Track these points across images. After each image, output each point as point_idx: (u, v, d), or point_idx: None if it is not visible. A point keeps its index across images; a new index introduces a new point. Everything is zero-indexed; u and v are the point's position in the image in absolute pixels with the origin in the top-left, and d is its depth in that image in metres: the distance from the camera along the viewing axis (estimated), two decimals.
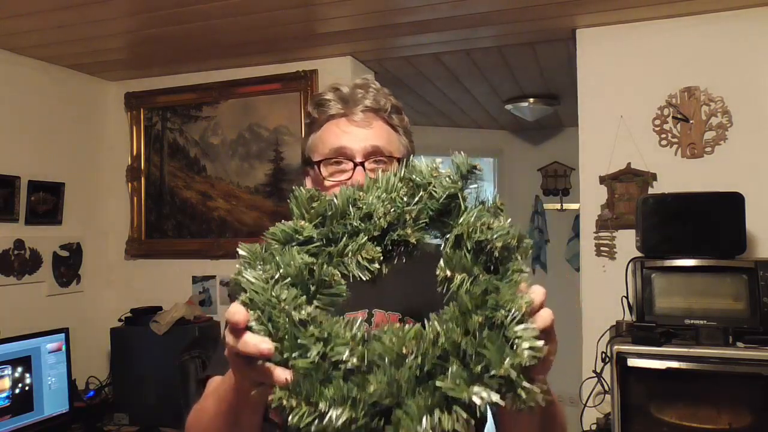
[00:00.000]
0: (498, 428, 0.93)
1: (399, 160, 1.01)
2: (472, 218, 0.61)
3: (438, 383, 0.52)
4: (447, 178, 0.65)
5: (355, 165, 0.98)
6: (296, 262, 0.59)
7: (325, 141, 1.01)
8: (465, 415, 0.51)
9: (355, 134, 0.99)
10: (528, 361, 0.51)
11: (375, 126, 1.00)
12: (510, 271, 0.58)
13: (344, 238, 0.63)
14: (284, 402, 0.53)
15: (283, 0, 2.16)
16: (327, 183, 1.00)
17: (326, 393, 0.52)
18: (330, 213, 0.66)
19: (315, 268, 0.60)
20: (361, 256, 0.62)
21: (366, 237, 0.63)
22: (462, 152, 0.67)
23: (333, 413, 0.52)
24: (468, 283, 0.58)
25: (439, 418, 0.51)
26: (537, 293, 0.57)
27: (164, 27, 2.41)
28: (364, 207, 0.64)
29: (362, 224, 0.64)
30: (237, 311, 0.57)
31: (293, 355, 0.54)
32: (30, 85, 2.74)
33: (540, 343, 0.52)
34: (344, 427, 0.52)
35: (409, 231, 0.63)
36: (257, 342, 0.56)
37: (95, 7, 2.17)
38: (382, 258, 0.63)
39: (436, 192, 0.64)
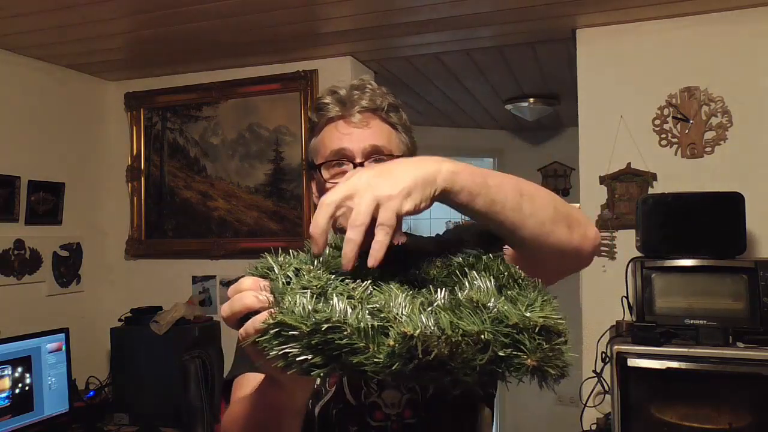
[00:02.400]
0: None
1: (399, 158, 1.02)
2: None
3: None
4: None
5: (355, 166, 0.99)
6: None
7: (325, 144, 1.02)
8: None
9: (354, 135, 1.00)
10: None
11: (373, 126, 1.01)
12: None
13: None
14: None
15: (283, 0, 2.16)
16: (329, 185, 1.00)
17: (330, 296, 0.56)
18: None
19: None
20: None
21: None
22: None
23: (336, 301, 0.54)
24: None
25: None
26: None
27: (164, 27, 2.41)
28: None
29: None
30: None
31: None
32: (30, 85, 2.74)
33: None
34: (342, 313, 0.53)
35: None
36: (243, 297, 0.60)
37: (95, 7, 2.17)
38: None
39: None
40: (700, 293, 2.03)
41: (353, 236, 0.59)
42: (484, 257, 0.66)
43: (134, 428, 2.65)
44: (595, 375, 2.27)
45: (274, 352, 0.54)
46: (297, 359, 0.53)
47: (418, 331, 0.50)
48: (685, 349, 1.90)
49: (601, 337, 2.28)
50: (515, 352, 0.53)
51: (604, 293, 2.37)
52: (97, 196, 3.11)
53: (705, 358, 1.87)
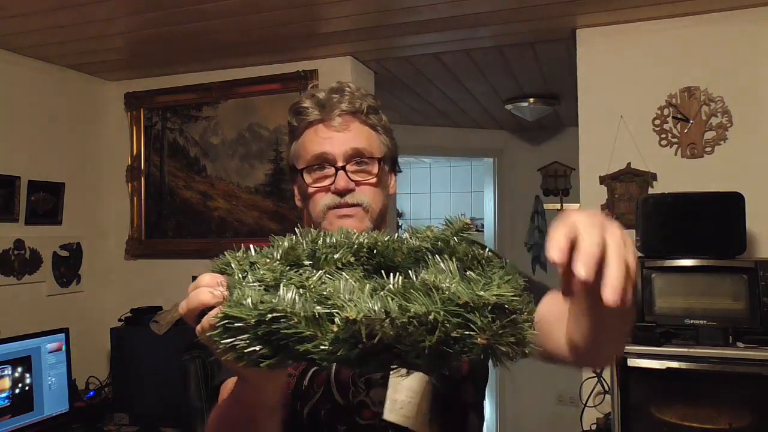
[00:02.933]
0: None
1: (380, 160, 1.03)
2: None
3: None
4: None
5: (337, 170, 0.99)
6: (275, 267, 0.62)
7: (306, 148, 1.03)
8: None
9: (335, 139, 1.00)
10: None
11: (353, 128, 1.02)
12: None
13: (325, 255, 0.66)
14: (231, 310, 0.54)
15: (283, 0, 2.17)
16: (311, 189, 1.02)
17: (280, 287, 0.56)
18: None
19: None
20: (340, 262, 0.64)
21: (346, 249, 0.66)
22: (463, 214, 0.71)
23: (282, 291, 0.54)
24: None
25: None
26: None
27: (164, 27, 2.41)
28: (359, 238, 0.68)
29: (344, 240, 0.67)
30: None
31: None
32: (30, 85, 2.74)
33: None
34: (290, 303, 0.53)
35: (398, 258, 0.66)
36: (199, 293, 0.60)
37: (95, 7, 2.17)
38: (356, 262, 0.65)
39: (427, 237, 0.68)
40: (700, 293, 2.03)
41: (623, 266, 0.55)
42: (451, 241, 0.66)
43: (134, 428, 2.65)
44: (595, 375, 2.27)
45: (222, 346, 0.54)
46: (245, 351, 0.53)
47: (361, 315, 0.50)
48: (685, 349, 1.90)
49: None
50: (467, 332, 0.52)
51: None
52: (97, 196, 3.11)
53: (705, 358, 1.87)
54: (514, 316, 0.55)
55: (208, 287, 0.61)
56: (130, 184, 3.14)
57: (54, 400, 2.48)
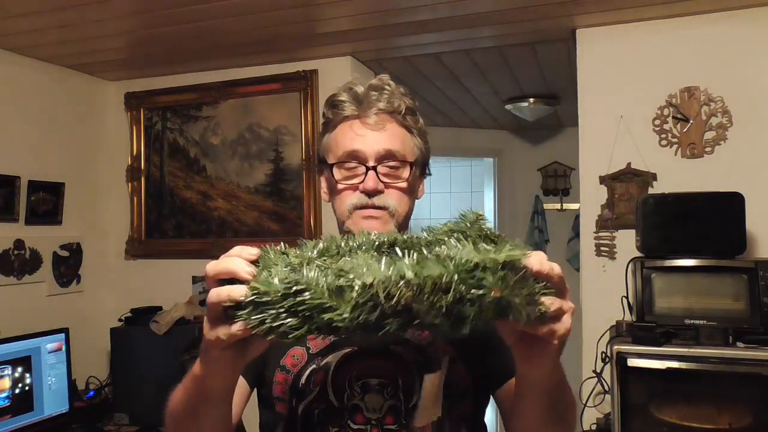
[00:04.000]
0: (506, 414, 0.94)
1: (412, 164, 1.02)
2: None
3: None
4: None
5: (368, 169, 0.98)
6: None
7: (338, 143, 1.01)
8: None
9: (369, 137, 0.99)
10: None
11: (389, 128, 1.00)
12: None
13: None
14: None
15: (283, 0, 2.16)
16: (339, 186, 1.01)
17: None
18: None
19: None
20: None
21: (368, 246, 0.73)
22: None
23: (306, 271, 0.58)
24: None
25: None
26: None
27: (164, 27, 2.41)
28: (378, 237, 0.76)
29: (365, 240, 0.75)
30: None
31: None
32: (30, 85, 2.74)
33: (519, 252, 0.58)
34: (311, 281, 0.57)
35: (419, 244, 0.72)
36: (230, 288, 0.63)
37: (95, 7, 2.17)
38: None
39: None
40: (700, 293, 2.03)
41: None
42: (467, 231, 0.70)
43: (134, 428, 2.65)
44: (595, 375, 2.27)
45: (253, 322, 0.59)
46: (274, 324, 0.58)
47: (377, 279, 0.54)
48: (685, 349, 1.90)
49: (601, 337, 2.28)
50: (481, 291, 0.55)
51: (604, 293, 2.37)
52: (97, 196, 3.11)
53: (705, 358, 1.87)
54: (525, 272, 0.59)
55: (243, 261, 0.64)
56: (130, 184, 3.14)
57: (54, 400, 2.48)
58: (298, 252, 0.68)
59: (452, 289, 0.54)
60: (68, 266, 2.89)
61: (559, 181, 4.72)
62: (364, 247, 0.72)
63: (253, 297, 0.59)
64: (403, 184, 1.00)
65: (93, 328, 2.95)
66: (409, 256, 0.59)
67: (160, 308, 2.84)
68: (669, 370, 1.90)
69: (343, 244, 0.72)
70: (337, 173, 1.01)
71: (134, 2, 2.17)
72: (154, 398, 2.66)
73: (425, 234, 0.74)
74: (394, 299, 0.54)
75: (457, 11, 2.28)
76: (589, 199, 2.46)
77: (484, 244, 0.62)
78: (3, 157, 2.58)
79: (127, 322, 2.82)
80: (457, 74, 3.17)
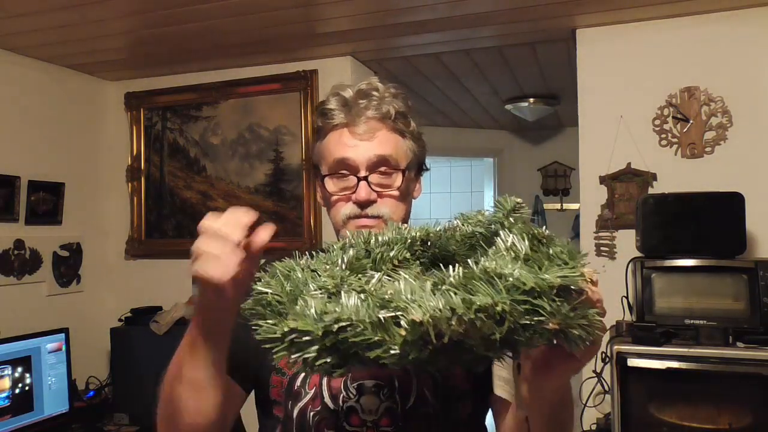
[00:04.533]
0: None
1: (404, 171, 1.01)
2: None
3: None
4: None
5: (359, 180, 0.98)
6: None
7: (330, 152, 1.01)
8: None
9: (359, 147, 0.98)
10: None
11: (379, 136, 0.99)
12: None
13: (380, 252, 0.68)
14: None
15: (283, 0, 2.16)
16: (333, 198, 1.01)
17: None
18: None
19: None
20: (396, 260, 0.66)
21: (400, 246, 0.67)
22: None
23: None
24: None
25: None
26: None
27: (164, 27, 2.41)
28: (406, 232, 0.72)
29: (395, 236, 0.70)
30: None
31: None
32: (30, 85, 2.74)
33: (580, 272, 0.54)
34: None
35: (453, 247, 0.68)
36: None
37: (95, 7, 2.17)
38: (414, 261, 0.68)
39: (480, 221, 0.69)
40: (700, 293, 2.03)
41: None
42: (505, 222, 0.65)
43: (134, 428, 2.65)
44: (595, 375, 2.27)
45: (292, 360, 0.54)
46: (316, 363, 0.53)
47: (427, 316, 0.49)
48: (685, 349, 1.90)
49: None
50: (537, 318, 0.51)
51: (603, 293, 2.36)
52: (97, 196, 3.10)
53: (705, 358, 1.87)
54: (583, 296, 0.54)
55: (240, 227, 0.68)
56: (130, 184, 3.14)
57: (54, 400, 2.48)
58: (327, 266, 0.63)
59: (506, 321, 0.50)
60: (68, 266, 2.89)
61: (559, 181, 4.72)
62: (394, 249, 0.67)
63: (291, 337, 0.53)
64: (396, 193, 1.00)
65: (93, 328, 2.95)
66: (452, 271, 0.55)
67: (160, 308, 2.84)
68: (669, 370, 1.90)
69: (372, 242, 0.68)
70: (329, 184, 1.01)
71: (134, 2, 2.17)
72: (154, 398, 2.67)
73: (458, 222, 0.69)
74: (446, 337, 0.49)
75: (457, 11, 2.28)
76: (589, 199, 2.46)
77: (533, 252, 0.58)
78: (3, 157, 2.58)
79: (127, 322, 2.82)
80: (457, 74, 3.17)
